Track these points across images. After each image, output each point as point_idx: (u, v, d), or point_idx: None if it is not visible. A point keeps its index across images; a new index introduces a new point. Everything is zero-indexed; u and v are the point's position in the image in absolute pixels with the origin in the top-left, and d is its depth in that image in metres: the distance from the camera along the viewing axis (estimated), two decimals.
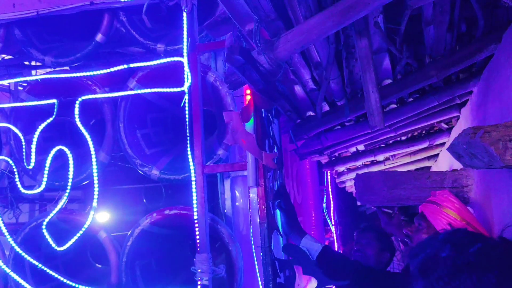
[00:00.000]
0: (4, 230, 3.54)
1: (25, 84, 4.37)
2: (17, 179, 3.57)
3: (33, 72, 4.40)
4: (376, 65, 2.44)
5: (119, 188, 4.08)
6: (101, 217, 4.10)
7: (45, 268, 3.41)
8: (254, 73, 2.01)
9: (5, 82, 3.95)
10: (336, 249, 3.31)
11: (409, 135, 4.01)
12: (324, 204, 7.56)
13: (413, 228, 2.46)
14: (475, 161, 1.56)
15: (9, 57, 4.29)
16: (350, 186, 6.05)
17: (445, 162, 3.99)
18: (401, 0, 1.68)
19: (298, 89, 2.80)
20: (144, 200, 4.40)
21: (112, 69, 3.35)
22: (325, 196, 7.45)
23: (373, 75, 2.02)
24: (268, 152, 2.88)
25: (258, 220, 2.76)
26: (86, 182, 3.56)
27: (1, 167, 3.68)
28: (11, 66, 4.31)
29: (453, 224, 2.03)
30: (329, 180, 7.36)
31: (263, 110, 2.83)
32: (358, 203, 7.47)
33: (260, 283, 2.83)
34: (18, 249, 3.47)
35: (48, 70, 4.19)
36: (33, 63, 4.25)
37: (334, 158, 4.58)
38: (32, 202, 4.50)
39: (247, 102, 2.76)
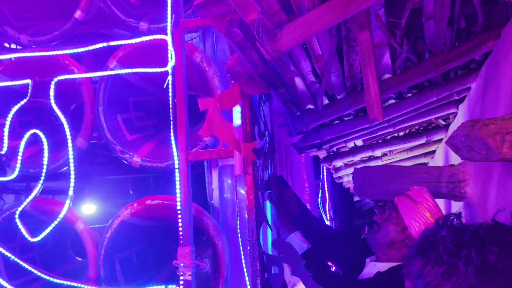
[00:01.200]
0: None
1: None
2: None
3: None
4: (376, 60, 2.53)
5: (106, 178, 4.10)
6: (86, 209, 4.09)
7: (18, 261, 3.37)
8: (254, 53, 2.04)
9: None
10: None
11: (407, 131, 4.14)
12: (319, 199, 7.62)
13: (383, 216, 2.67)
14: (473, 153, 1.62)
15: None
16: (347, 181, 6.18)
17: (441, 158, 4.13)
18: None
19: (298, 81, 2.86)
20: (131, 191, 4.40)
21: (91, 47, 3.29)
22: (320, 191, 7.54)
23: (373, 68, 2.10)
24: (257, 140, 2.86)
25: (246, 211, 2.75)
26: (64, 169, 3.52)
27: None
28: None
29: (423, 223, 2.10)
30: (325, 175, 7.44)
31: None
32: (355, 199, 7.56)
33: (246, 278, 2.81)
34: None
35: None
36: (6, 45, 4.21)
37: (332, 153, 4.66)
38: (18, 193, 4.47)
39: (231, 86, 2.72)
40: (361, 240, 3.27)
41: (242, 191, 2.87)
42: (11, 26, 3.70)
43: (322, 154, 4.77)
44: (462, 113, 3.13)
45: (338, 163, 5.09)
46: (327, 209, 7.64)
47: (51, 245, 3.60)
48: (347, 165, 5.32)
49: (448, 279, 0.96)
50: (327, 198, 7.70)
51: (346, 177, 5.94)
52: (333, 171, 5.75)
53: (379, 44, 2.50)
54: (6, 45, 4.19)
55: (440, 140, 4.19)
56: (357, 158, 4.86)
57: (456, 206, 2.96)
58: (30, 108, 3.56)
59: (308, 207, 3.58)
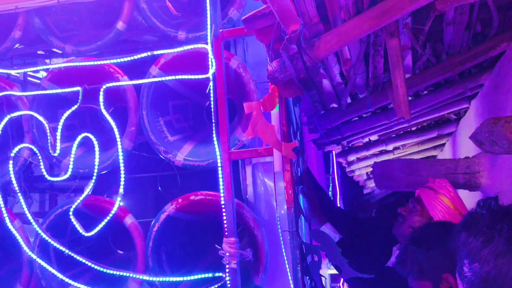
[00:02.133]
0: (30, 217, 3.82)
1: (36, 74, 4.69)
2: (42, 167, 3.84)
3: (47, 60, 4.71)
4: None
5: (133, 176, 4.29)
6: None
7: (73, 254, 3.70)
8: (300, 63, 2.34)
9: (26, 71, 4.22)
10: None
11: (419, 126, 4.34)
12: (330, 193, 7.81)
13: (407, 209, 2.70)
14: (496, 147, 1.81)
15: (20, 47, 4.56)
16: (358, 175, 6.37)
17: (450, 151, 4.36)
18: (428, 4, 1.95)
19: (326, 82, 3.14)
20: (159, 188, 4.71)
21: (136, 56, 3.62)
22: (331, 184, 7.75)
23: (402, 71, 2.31)
24: (292, 139, 3.19)
25: (286, 204, 3.06)
26: (104, 172, 3.84)
27: (23, 155, 3.96)
28: (26, 55, 4.59)
29: (446, 212, 2.31)
30: (335, 169, 7.64)
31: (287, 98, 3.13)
32: (364, 192, 7.80)
33: (287, 266, 3.13)
34: (44, 236, 3.76)
35: (62, 60, 4.51)
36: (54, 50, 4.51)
37: (347, 148, 4.89)
38: (43, 192, 4.81)
39: (270, 90, 3.05)
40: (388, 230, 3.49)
41: (280, 186, 3.18)
42: (56, 36, 4.04)
43: (337, 149, 5.01)
44: (474, 108, 3.33)
45: (352, 157, 5.31)
46: (337, 202, 7.84)
47: (95, 240, 3.83)
48: (359, 159, 5.53)
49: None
50: (338, 192, 7.88)
51: (358, 171, 6.15)
52: (346, 165, 5.98)
53: (403, 47, 2.66)
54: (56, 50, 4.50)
55: (450, 134, 4.37)
56: (370, 152, 5.09)
57: (472, 195, 3.17)
58: (73, 113, 3.82)
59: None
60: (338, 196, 7.83)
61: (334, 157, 6.90)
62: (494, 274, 1.21)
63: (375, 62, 2.86)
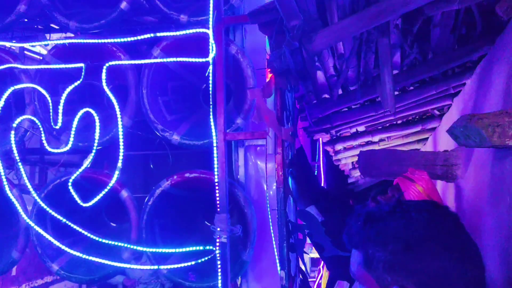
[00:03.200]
0: (29, 187, 4.04)
1: (33, 49, 4.87)
2: (43, 139, 4.05)
3: (46, 35, 4.89)
4: None
5: (126, 153, 4.42)
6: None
7: (69, 223, 3.93)
8: (299, 56, 2.57)
9: (32, 45, 4.41)
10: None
11: (404, 120, 4.55)
12: None
13: (387, 197, 2.74)
14: (469, 141, 1.96)
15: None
16: (344, 164, 6.61)
17: (432, 145, 4.53)
18: (418, 8, 2.18)
19: (319, 74, 3.36)
20: (151, 166, 4.94)
21: (140, 37, 3.83)
22: (316, 172, 7.92)
23: (390, 68, 2.52)
24: (286, 125, 3.45)
25: (274, 185, 3.31)
26: (99, 147, 4.04)
27: (24, 126, 4.16)
28: (26, 29, 4.77)
29: (417, 196, 2.47)
30: (321, 157, 7.84)
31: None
32: (349, 181, 8.05)
33: (274, 242, 3.39)
34: (43, 205, 3.99)
35: (61, 35, 4.71)
36: (52, 25, 4.70)
37: (335, 137, 5.14)
38: (34, 164, 5.02)
39: (268, 79, 3.30)
40: None
41: (271, 168, 3.44)
42: (60, 12, 4.20)
43: (325, 138, 5.26)
44: (456, 105, 3.52)
45: (339, 146, 5.54)
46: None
47: (90, 211, 4.07)
48: (346, 149, 5.76)
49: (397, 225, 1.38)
50: (322, 179, 8.09)
51: (344, 160, 6.38)
52: (333, 154, 6.22)
53: (393, 45, 2.87)
54: (53, 25, 4.68)
55: (433, 129, 4.57)
56: (356, 142, 5.33)
57: (449, 186, 3.39)
58: (74, 88, 3.99)
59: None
60: (322, 184, 8.05)
61: (320, 145, 7.10)
62: (416, 243, 1.31)
63: (367, 58, 3.09)
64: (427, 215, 1.36)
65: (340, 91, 3.79)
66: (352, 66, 3.25)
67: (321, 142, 6.27)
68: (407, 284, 1.27)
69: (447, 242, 1.31)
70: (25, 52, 5.10)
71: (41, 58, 4.40)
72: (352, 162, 6.44)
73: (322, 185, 7.97)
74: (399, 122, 4.62)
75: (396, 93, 3.70)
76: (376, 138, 5.13)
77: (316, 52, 2.45)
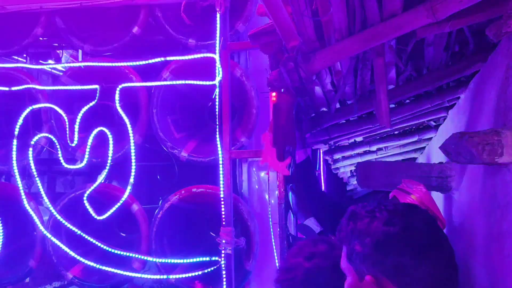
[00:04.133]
0: (46, 200, 4.04)
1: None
2: (60, 155, 4.05)
3: (59, 51, 4.91)
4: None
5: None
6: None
7: (84, 234, 3.93)
8: (295, 75, 2.56)
9: (48, 67, 4.43)
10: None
11: (401, 130, 4.46)
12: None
13: None
14: (460, 157, 1.95)
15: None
16: (343, 172, 6.53)
17: (429, 155, 4.45)
18: (411, 31, 2.16)
19: (317, 89, 3.34)
20: (158, 177, 4.91)
21: (151, 61, 3.86)
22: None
23: (385, 86, 2.49)
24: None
25: (275, 200, 3.31)
26: (111, 164, 4.03)
27: (41, 143, 4.16)
28: (40, 46, 4.79)
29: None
30: (321, 166, 7.75)
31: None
32: (348, 188, 7.96)
33: (275, 254, 3.38)
34: (59, 217, 3.99)
35: (72, 52, 4.70)
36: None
37: (334, 147, 5.10)
38: (43, 174, 4.99)
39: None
40: None
41: (273, 184, 3.44)
42: (76, 36, 4.23)
43: (324, 148, 5.21)
44: (451, 117, 3.44)
45: (338, 155, 5.49)
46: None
47: (102, 223, 4.02)
48: (344, 158, 5.70)
49: (373, 222, 1.45)
50: (323, 187, 8.00)
51: (342, 168, 6.30)
52: (332, 163, 6.15)
53: (388, 63, 2.80)
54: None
55: (430, 139, 4.55)
56: (355, 152, 5.28)
57: (445, 197, 3.27)
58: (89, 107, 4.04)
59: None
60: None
61: (321, 154, 7.03)
62: (383, 239, 1.38)
63: (363, 74, 3.03)
64: (400, 216, 1.44)
65: (337, 105, 3.76)
66: (349, 82, 3.22)
67: (321, 151, 6.23)
68: (378, 275, 1.35)
69: (411, 240, 1.38)
70: (41, 66, 5.07)
71: (55, 71, 4.39)
72: (351, 171, 6.39)
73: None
74: (396, 132, 4.57)
75: (393, 106, 3.65)
76: (374, 148, 5.08)
77: (314, 72, 2.45)
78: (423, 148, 4.99)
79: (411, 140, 4.68)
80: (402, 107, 3.64)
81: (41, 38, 4.60)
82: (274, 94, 3.29)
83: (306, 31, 2.21)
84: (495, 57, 2.22)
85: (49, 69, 4.53)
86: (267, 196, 3.42)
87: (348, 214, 1.55)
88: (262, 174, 4.03)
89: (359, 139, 4.76)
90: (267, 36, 2.77)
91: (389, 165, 3.37)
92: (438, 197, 3.60)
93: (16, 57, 4.46)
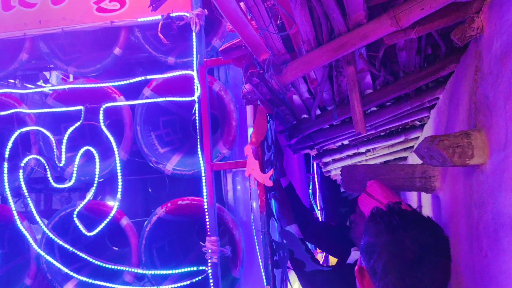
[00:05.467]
0: (39, 220, 3.84)
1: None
2: (48, 175, 3.86)
3: (46, 73, 4.72)
4: (360, 81, 2.80)
5: (124, 179, 4.20)
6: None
7: (76, 251, 3.72)
8: (264, 88, 2.41)
9: (33, 91, 4.23)
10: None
11: (387, 131, 4.33)
12: (310, 191, 7.74)
13: (356, 215, 2.87)
14: (433, 161, 1.87)
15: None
16: (334, 174, 6.31)
17: (415, 155, 4.33)
18: (378, 39, 1.98)
19: (295, 97, 3.15)
20: (150, 190, 4.71)
21: (132, 80, 3.69)
22: (311, 183, 7.59)
23: (358, 94, 2.33)
24: (266, 152, 3.26)
25: (259, 209, 3.13)
26: (100, 180, 3.85)
27: (31, 164, 3.97)
28: (27, 68, 4.57)
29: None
30: (315, 169, 7.52)
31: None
32: (342, 190, 7.73)
33: (260, 260, 3.19)
34: (51, 235, 3.78)
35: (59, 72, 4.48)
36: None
37: (322, 151, 4.89)
38: (39, 192, 4.78)
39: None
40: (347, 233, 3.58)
41: (255, 193, 3.23)
42: (59, 59, 4.03)
43: (313, 152, 4.99)
44: (433, 117, 3.32)
45: (327, 159, 5.27)
46: (317, 199, 7.69)
47: (93, 238, 3.84)
48: (335, 160, 5.45)
49: (374, 226, 1.42)
50: (317, 189, 7.78)
51: (334, 171, 6.06)
52: (322, 166, 5.93)
53: (361, 70, 2.72)
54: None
55: (417, 138, 4.37)
56: (343, 154, 5.07)
57: (426, 197, 3.27)
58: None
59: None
60: (318, 194, 7.71)
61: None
62: (373, 241, 1.38)
63: (339, 81, 2.89)
64: (381, 223, 1.42)
65: (318, 111, 3.57)
66: (326, 89, 3.03)
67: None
68: (364, 266, 1.40)
69: (379, 242, 1.38)
70: (27, 86, 4.88)
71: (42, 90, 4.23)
72: None
73: (318, 194, 7.65)
74: (382, 134, 4.37)
75: (374, 109, 3.45)
76: (362, 149, 4.89)
77: (288, 82, 2.27)
78: (412, 146, 4.81)
79: (398, 141, 4.49)
80: (384, 110, 3.45)
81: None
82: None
83: (274, 44, 2.03)
84: (465, 58, 2.11)
85: (36, 90, 4.28)
86: (254, 204, 3.22)
87: (371, 215, 1.55)
88: (247, 184, 3.83)
89: (345, 142, 4.59)
90: (238, 51, 2.60)
91: (373, 168, 3.21)
92: (426, 198, 3.48)
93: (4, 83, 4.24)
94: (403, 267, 1.30)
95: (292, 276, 3.41)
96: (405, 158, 5.50)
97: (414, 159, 4.68)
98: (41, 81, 4.85)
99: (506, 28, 1.45)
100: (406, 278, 1.29)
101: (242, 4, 1.74)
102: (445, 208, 2.65)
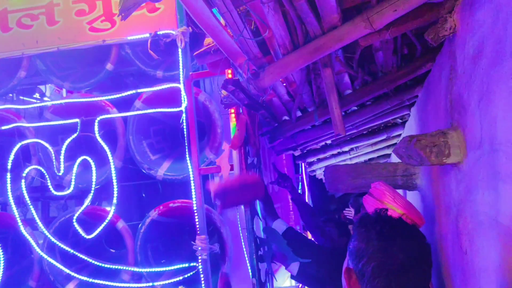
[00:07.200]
0: (40, 224, 3.65)
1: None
2: (49, 183, 3.66)
3: (42, 87, 4.54)
4: (338, 82, 2.63)
5: (119, 184, 4.03)
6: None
7: (76, 252, 3.54)
8: (241, 94, 2.25)
9: (31, 106, 4.02)
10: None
11: (370, 130, 4.12)
12: (299, 190, 7.53)
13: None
14: (412, 160, 1.74)
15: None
16: (319, 174, 6.08)
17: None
18: (354, 41, 1.81)
19: (275, 100, 2.97)
20: (143, 195, 4.50)
21: (124, 94, 3.53)
22: (300, 183, 7.33)
23: (336, 95, 2.18)
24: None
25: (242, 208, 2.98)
26: (97, 186, 3.66)
27: (31, 175, 3.76)
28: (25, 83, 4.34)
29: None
30: (303, 169, 7.27)
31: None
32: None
33: (246, 255, 3.04)
34: (53, 239, 3.59)
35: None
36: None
37: (305, 151, 4.67)
38: (37, 200, 4.53)
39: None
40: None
41: None
42: (55, 75, 3.85)
43: (297, 153, 4.77)
44: (413, 114, 3.18)
45: (311, 159, 5.04)
46: (306, 198, 7.49)
47: (91, 241, 3.64)
48: (319, 160, 5.23)
49: (364, 232, 1.30)
50: (306, 189, 7.57)
51: (319, 170, 5.85)
52: (307, 166, 5.72)
53: (339, 72, 2.56)
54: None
55: (399, 135, 4.16)
56: (327, 154, 4.85)
57: (411, 194, 3.07)
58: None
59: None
60: (306, 194, 7.48)
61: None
62: (363, 246, 1.28)
63: (317, 83, 2.75)
64: (371, 230, 1.32)
65: (299, 113, 3.38)
66: (305, 91, 2.86)
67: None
68: (351, 267, 1.31)
69: (365, 246, 1.30)
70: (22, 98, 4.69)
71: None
72: None
73: (307, 194, 7.42)
74: (365, 132, 4.17)
75: (355, 108, 3.29)
76: (346, 148, 4.68)
77: (266, 86, 2.08)
78: (395, 144, 4.60)
79: (381, 139, 4.29)
80: (364, 109, 3.27)
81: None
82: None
83: (250, 49, 1.85)
84: (441, 57, 1.96)
85: (35, 105, 4.05)
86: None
87: (360, 219, 1.45)
88: None
89: (329, 142, 4.38)
90: (214, 55, 2.41)
91: (355, 167, 3.04)
92: (411, 195, 3.29)
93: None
94: (391, 272, 1.24)
95: (282, 270, 3.24)
96: (388, 156, 5.31)
97: (397, 157, 4.51)
98: (37, 94, 4.60)
99: (477, 28, 1.31)
100: (392, 283, 1.24)
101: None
102: (427, 206, 2.50)
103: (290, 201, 4.83)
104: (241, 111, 3.04)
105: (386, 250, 1.26)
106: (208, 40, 2.39)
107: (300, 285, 3.91)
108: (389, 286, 1.23)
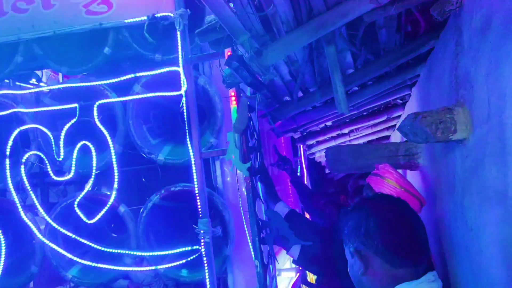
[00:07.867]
0: (41, 210, 3.65)
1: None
2: (49, 169, 3.65)
3: (38, 72, 4.51)
4: (341, 60, 2.62)
5: (120, 169, 3.96)
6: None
7: (78, 237, 3.54)
8: (245, 72, 2.22)
9: (30, 91, 3.96)
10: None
11: (370, 111, 4.11)
12: (298, 174, 7.51)
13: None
14: (417, 138, 1.75)
15: None
16: (319, 156, 6.05)
17: (399, 134, 4.15)
18: (358, 17, 1.79)
19: (277, 80, 2.96)
20: (143, 179, 4.48)
21: (123, 78, 3.48)
22: (299, 166, 7.27)
23: (339, 74, 2.20)
24: (250, 140, 3.09)
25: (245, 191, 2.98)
26: (97, 172, 3.64)
27: (31, 160, 3.74)
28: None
29: (393, 192, 2.17)
30: (302, 152, 7.26)
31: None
32: (327, 171, 7.45)
33: (248, 238, 3.08)
34: (54, 225, 3.59)
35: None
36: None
37: (305, 133, 4.66)
38: (35, 186, 4.50)
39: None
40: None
41: (242, 177, 3.09)
42: (53, 60, 3.79)
43: (297, 135, 4.75)
44: (414, 94, 3.17)
45: (311, 141, 5.03)
46: (305, 182, 7.48)
47: (93, 226, 3.64)
48: (318, 142, 5.22)
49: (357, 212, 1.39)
50: (305, 172, 7.56)
51: (318, 153, 5.84)
52: (306, 149, 5.70)
53: (342, 50, 2.57)
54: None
55: (398, 116, 4.13)
56: (327, 136, 4.83)
57: (412, 174, 3.06)
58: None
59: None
60: (305, 177, 7.47)
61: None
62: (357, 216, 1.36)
63: (320, 62, 2.74)
64: (366, 209, 1.37)
65: (300, 94, 3.35)
66: (307, 71, 2.84)
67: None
68: (360, 248, 1.32)
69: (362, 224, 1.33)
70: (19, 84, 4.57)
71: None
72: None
73: (306, 177, 7.39)
74: (365, 113, 4.16)
75: (356, 89, 3.29)
76: (346, 130, 4.67)
77: (268, 65, 2.09)
78: (395, 125, 4.58)
79: (381, 120, 4.28)
80: (365, 89, 3.27)
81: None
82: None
83: (253, 26, 1.83)
84: (445, 34, 1.96)
85: (33, 90, 3.99)
86: (243, 188, 3.05)
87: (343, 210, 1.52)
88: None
89: (329, 123, 4.36)
90: (216, 33, 2.38)
91: (357, 148, 3.07)
92: (412, 175, 3.28)
93: None
94: (396, 222, 1.30)
95: (283, 253, 3.25)
96: (387, 137, 5.30)
97: (396, 138, 4.49)
98: (34, 80, 4.55)
99: (485, 0, 1.28)
100: (400, 233, 1.28)
101: None
102: (430, 184, 2.50)
103: (290, 183, 4.85)
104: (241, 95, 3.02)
105: (384, 208, 1.34)
106: (209, 18, 2.36)
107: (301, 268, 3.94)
108: (398, 237, 1.27)
